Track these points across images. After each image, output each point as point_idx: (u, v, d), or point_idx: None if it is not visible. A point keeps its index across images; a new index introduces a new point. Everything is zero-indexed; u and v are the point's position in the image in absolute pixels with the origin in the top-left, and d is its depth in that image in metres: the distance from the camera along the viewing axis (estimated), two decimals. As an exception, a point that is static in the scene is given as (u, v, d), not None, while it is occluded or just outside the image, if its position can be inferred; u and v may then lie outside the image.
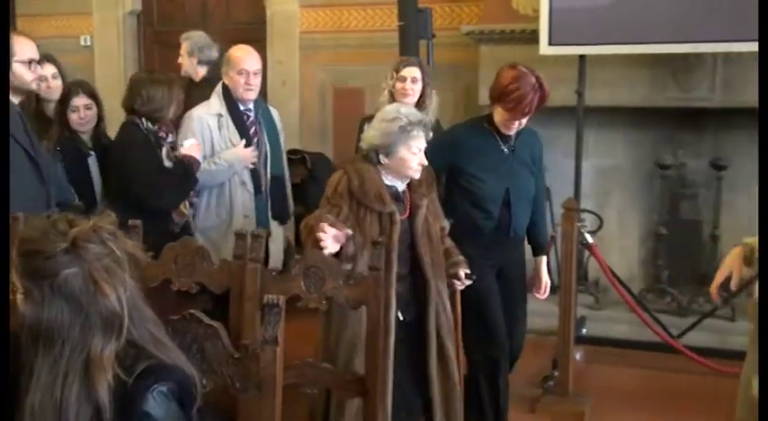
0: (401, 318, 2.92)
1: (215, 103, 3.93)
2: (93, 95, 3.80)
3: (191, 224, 3.87)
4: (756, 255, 2.47)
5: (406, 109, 3.05)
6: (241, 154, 3.78)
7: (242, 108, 3.90)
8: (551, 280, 3.70)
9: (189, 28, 5.51)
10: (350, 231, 2.75)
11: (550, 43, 4.37)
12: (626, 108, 4.76)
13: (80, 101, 3.75)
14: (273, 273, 2.57)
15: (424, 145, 2.97)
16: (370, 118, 3.99)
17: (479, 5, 5.30)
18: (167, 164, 3.65)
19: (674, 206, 5.06)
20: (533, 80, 3.22)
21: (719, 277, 2.57)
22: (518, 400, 3.40)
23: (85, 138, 3.78)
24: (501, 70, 3.30)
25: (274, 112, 4.18)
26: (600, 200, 5.01)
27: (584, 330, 4.60)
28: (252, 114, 3.94)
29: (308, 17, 5.76)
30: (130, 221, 2.47)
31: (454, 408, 3.10)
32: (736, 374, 4.13)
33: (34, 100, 3.79)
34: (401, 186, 3.03)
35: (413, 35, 4.75)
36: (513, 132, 3.37)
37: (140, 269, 1.61)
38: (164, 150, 3.67)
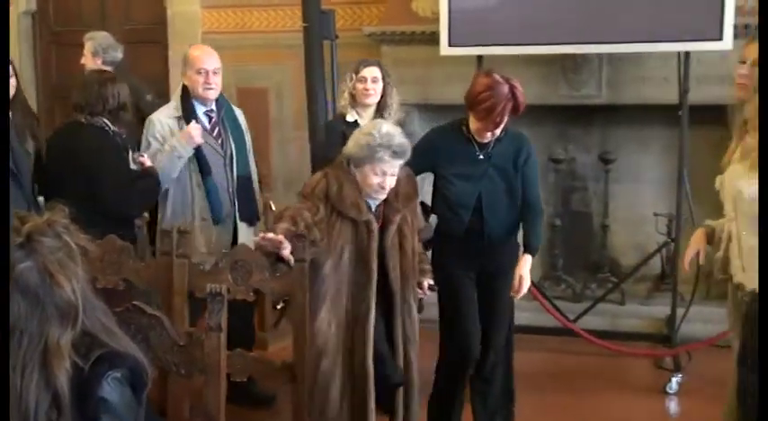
0: None
1: (174, 105, 3.83)
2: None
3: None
4: (718, 234, 2.78)
5: (387, 130, 2.96)
6: (182, 135, 3.64)
7: (204, 109, 3.82)
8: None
9: (87, 28, 5.44)
10: (288, 253, 2.66)
11: (450, 44, 4.52)
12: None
13: None
14: (201, 267, 2.64)
15: (393, 170, 2.92)
16: (339, 121, 3.99)
17: (380, 7, 5.41)
18: (134, 167, 3.58)
19: (566, 198, 5.32)
20: (506, 90, 3.17)
21: (689, 253, 2.85)
22: (427, 386, 3.48)
23: None
24: (476, 77, 3.31)
25: (238, 112, 4.08)
26: (499, 193, 5.24)
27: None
28: (215, 115, 3.85)
29: (209, 18, 5.74)
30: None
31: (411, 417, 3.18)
32: (627, 354, 4.46)
33: None
34: (374, 200, 3.01)
35: (317, 36, 4.79)
36: (487, 140, 3.32)
37: (91, 261, 1.67)
38: (130, 154, 3.59)
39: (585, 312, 4.66)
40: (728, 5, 4.10)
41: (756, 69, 2.76)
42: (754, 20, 4.47)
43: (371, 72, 3.96)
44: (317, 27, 4.78)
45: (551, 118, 5.12)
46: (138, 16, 6.06)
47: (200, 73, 3.73)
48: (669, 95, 4.46)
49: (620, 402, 4.01)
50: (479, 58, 4.54)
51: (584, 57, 4.73)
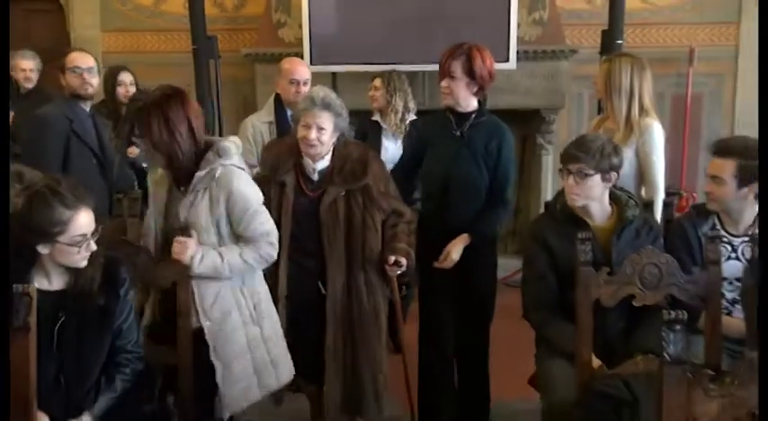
0: (323, 292, 2.78)
1: (267, 111, 3.73)
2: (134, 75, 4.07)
3: None
4: None
5: (316, 88, 2.83)
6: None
7: (291, 113, 3.46)
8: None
9: None
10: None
11: (311, 63, 4.98)
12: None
13: (127, 77, 4.00)
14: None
15: (316, 121, 2.69)
16: (365, 119, 4.23)
17: (253, 34, 5.73)
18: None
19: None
20: (458, 45, 2.98)
21: None
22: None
23: None
24: None
25: None
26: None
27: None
28: None
29: (108, 40, 5.82)
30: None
31: (358, 393, 2.81)
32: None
33: (110, 103, 4.03)
34: (312, 165, 2.78)
35: (204, 56, 5.12)
36: (453, 102, 2.99)
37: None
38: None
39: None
40: (512, 37, 4.97)
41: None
42: (531, 47, 5.36)
43: (375, 82, 4.35)
44: (203, 49, 5.11)
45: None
46: (43, 39, 5.97)
47: (292, 83, 3.64)
48: (474, 102, 5.20)
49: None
50: (333, 74, 5.09)
51: (414, 73, 5.12)
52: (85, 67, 3.47)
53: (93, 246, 2.10)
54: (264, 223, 2.48)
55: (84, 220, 2.07)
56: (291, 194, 2.76)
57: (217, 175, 2.35)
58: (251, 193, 2.44)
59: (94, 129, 3.48)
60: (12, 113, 3.77)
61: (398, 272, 2.81)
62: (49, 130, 3.38)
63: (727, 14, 5.81)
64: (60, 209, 2.03)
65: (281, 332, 2.64)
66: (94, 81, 3.54)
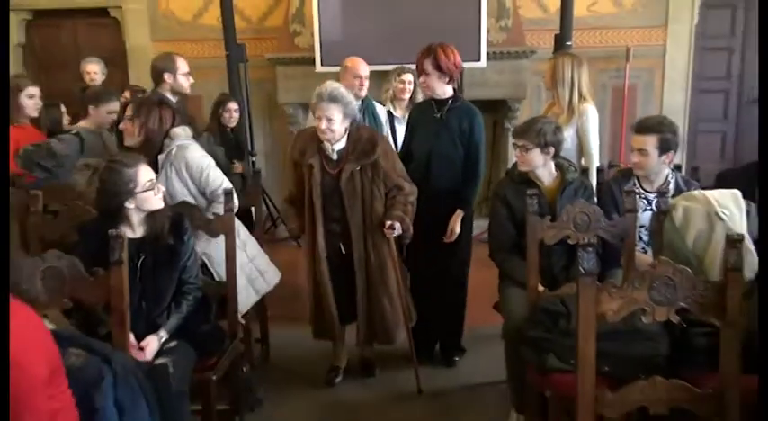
0: (343, 252, 2.91)
1: None
2: (239, 103, 4.34)
3: None
4: None
5: (326, 83, 2.81)
6: None
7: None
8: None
9: (65, 57, 5.61)
10: None
11: (321, 65, 5.23)
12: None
13: (232, 105, 4.31)
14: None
15: (327, 113, 2.73)
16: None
17: (274, 42, 5.86)
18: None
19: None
20: (429, 47, 3.01)
21: None
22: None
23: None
24: None
25: (379, 108, 3.90)
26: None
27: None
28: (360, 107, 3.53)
29: (157, 48, 5.83)
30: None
31: (373, 327, 2.96)
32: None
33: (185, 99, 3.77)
34: (331, 147, 2.84)
35: (235, 60, 5.23)
36: (431, 93, 3.08)
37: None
38: None
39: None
40: (483, 41, 5.11)
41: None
42: (498, 48, 5.49)
43: (408, 77, 4.12)
44: (234, 54, 5.22)
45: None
46: (104, 47, 6.09)
47: (356, 77, 3.64)
48: (453, 95, 5.35)
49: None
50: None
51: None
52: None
53: (162, 188, 2.37)
54: (220, 174, 2.80)
55: (145, 171, 2.34)
56: (318, 174, 2.84)
57: (173, 153, 2.72)
58: (201, 158, 2.78)
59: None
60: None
61: (393, 234, 2.87)
62: None
63: (657, 20, 5.98)
64: (125, 170, 2.29)
65: (260, 249, 3.00)
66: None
